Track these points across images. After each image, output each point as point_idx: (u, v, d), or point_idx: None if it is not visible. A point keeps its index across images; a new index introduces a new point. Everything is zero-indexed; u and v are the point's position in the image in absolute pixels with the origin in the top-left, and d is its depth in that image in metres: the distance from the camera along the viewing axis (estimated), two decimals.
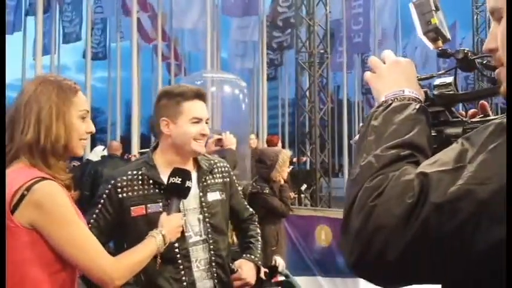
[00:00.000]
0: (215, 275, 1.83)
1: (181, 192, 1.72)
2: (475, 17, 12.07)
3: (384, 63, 0.94)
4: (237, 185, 2.06)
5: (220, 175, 1.95)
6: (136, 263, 1.50)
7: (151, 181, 1.80)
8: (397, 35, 18.81)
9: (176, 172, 1.73)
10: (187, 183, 1.71)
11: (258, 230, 2.11)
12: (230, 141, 3.57)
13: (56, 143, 1.40)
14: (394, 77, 0.90)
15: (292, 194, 4.06)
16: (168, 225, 1.63)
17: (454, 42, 19.22)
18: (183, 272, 1.79)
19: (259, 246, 2.05)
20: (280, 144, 6.15)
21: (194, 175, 1.86)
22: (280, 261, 3.48)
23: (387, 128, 0.80)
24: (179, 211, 1.72)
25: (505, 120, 0.69)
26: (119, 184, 1.80)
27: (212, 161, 1.96)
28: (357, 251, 0.72)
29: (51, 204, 1.33)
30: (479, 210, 0.64)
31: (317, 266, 4.50)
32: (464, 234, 0.65)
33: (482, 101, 0.97)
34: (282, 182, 3.86)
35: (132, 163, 1.96)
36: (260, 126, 14.86)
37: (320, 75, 6.56)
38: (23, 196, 1.31)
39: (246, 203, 2.12)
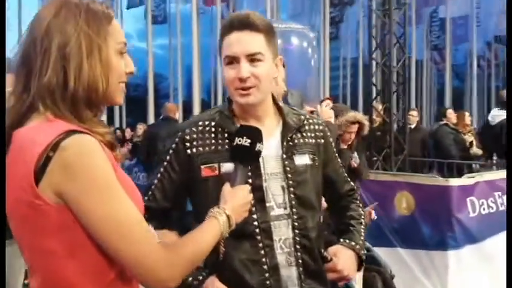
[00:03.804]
0: (300, 261, 1.44)
1: (250, 157, 1.34)
2: None
3: None
4: (334, 150, 1.63)
5: (313, 134, 1.54)
6: (195, 255, 1.08)
7: (226, 134, 1.45)
8: None
9: (244, 131, 1.35)
10: (258, 147, 1.32)
11: (361, 211, 1.65)
12: (327, 114, 3.17)
13: (90, 88, 1.01)
14: None
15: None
16: (233, 202, 1.24)
17: None
18: (263, 252, 1.41)
19: (362, 230, 1.60)
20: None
21: (278, 131, 1.49)
22: None
23: None
24: (246, 182, 1.34)
25: None
26: (188, 137, 1.46)
27: (303, 116, 1.55)
28: None
29: (84, 165, 0.95)
30: None
31: (397, 237, 4.09)
32: None
33: None
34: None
35: (204, 113, 1.58)
36: (321, 88, 14.35)
37: (397, 24, 5.85)
38: (48, 159, 0.94)
39: (345, 174, 1.68)
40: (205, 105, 16.10)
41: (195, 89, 12.04)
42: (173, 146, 1.48)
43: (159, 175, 1.49)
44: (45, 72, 1.00)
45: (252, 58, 1.40)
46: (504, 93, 6.07)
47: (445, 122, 6.57)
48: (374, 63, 6.42)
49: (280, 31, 6.34)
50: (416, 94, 18.17)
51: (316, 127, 1.56)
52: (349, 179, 1.68)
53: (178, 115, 7.83)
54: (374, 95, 6.40)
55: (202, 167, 1.43)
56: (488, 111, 22.47)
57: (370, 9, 6.10)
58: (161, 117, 6.76)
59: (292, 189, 1.45)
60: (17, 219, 1.02)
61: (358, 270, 1.55)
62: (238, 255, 1.40)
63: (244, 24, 1.41)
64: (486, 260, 3.89)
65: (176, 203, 1.53)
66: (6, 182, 1.02)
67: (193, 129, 1.47)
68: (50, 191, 0.96)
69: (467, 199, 3.87)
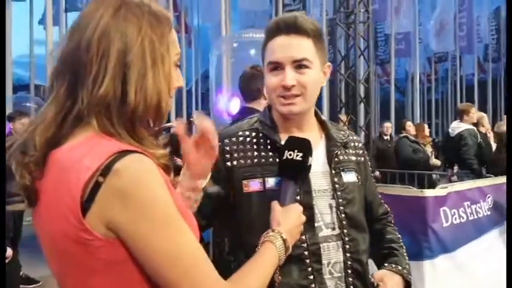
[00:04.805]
0: (351, 287, 1.34)
1: (301, 172, 1.24)
2: None
3: None
4: (371, 169, 1.54)
5: (354, 151, 1.45)
6: (258, 286, 0.97)
7: (269, 146, 1.33)
8: (414, 2, 18.12)
9: (293, 143, 1.23)
10: (310, 161, 1.22)
11: (399, 235, 1.55)
12: None
13: (152, 103, 0.87)
14: None
15: None
16: (287, 223, 1.12)
17: None
18: (311, 277, 1.29)
19: (405, 254, 1.50)
20: None
21: (322, 145, 1.39)
22: None
23: None
24: (296, 201, 1.23)
25: None
26: (228, 148, 1.33)
27: (343, 132, 1.46)
28: None
29: (141, 192, 0.81)
30: None
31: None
32: None
33: None
34: None
35: (242, 122, 1.44)
36: None
37: (361, 37, 6.05)
38: (97, 185, 0.80)
39: (380, 196, 1.58)
40: None
41: None
42: None
43: None
44: (101, 81, 0.85)
45: (299, 64, 1.29)
46: (462, 105, 6.35)
47: (405, 134, 6.77)
48: (338, 75, 6.55)
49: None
50: (365, 110, 18.76)
51: (357, 144, 1.49)
52: (383, 201, 1.59)
53: None
54: (339, 106, 6.51)
55: (244, 182, 1.31)
56: (429, 122, 23.46)
57: (335, 22, 6.24)
58: None
59: (342, 208, 1.35)
60: (58, 254, 0.87)
61: None
62: (286, 280, 1.27)
63: (291, 27, 1.29)
64: (458, 268, 3.98)
65: (213, 221, 1.40)
66: (42, 211, 0.86)
67: (233, 139, 1.35)
68: (100, 223, 0.82)
69: (441, 209, 3.94)
